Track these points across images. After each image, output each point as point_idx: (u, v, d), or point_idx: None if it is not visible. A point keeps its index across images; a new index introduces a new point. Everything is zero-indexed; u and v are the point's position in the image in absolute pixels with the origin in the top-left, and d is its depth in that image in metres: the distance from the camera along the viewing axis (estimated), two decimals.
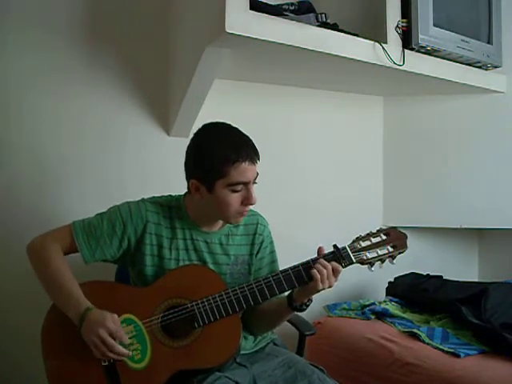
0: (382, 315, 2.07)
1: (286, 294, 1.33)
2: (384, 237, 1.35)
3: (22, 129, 1.78)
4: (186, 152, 1.33)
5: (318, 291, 1.27)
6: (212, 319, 1.25)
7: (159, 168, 1.96)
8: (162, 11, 1.97)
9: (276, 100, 2.18)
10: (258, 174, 1.29)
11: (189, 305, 1.26)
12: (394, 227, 1.39)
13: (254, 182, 1.29)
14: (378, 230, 1.36)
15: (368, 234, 1.35)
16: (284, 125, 2.24)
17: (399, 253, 1.34)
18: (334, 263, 1.27)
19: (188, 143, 1.33)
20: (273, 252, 1.48)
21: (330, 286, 1.27)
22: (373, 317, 2.07)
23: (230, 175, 1.24)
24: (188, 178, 1.32)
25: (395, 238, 1.35)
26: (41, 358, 1.24)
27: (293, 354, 1.42)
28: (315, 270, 1.25)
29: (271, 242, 1.48)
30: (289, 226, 2.15)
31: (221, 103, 1.90)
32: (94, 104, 1.88)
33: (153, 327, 1.24)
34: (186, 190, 1.36)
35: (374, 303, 2.15)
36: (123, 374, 1.20)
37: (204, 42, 1.51)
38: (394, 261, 1.34)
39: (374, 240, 1.34)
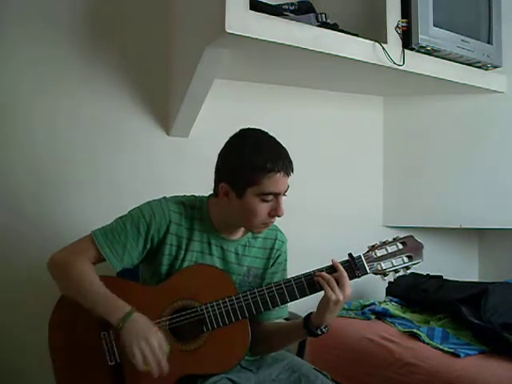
0: (382, 315, 2.07)
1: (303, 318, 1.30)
2: (400, 246, 1.31)
3: (21, 128, 1.77)
4: (220, 154, 1.30)
5: (335, 304, 1.21)
6: (221, 324, 1.23)
7: (159, 168, 1.95)
8: (162, 11, 1.97)
9: (276, 100, 2.18)
10: (288, 186, 1.27)
11: (198, 308, 1.24)
12: (411, 236, 1.34)
13: (284, 195, 1.27)
14: (394, 239, 1.32)
15: (384, 243, 1.31)
16: (284, 125, 2.21)
17: (414, 264, 1.31)
18: (336, 274, 1.23)
19: (223, 146, 1.30)
20: (285, 270, 1.46)
21: (345, 297, 1.22)
22: (373, 317, 2.07)
23: (262, 184, 1.21)
24: (218, 181, 1.29)
25: (411, 248, 1.31)
26: (42, 366, 1.24)
27: (297, 357, 1.41)
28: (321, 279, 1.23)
29: (286, 260, 1.46)
30: (288, 226, 2.14)
31: (221, 103, 1.90)
32: (93, 104, 1.88)
33: (161, 329, 1.22)
34: (210, 193, 1.34)
35: (374, 303, 2.15)
36: (129, 376, 1.19)
37: (204, 41, 1.51)
38: (408, 271, 1.31)
39: (390, 249, 1.30)
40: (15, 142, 1.76)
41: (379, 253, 1.29)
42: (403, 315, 2.05)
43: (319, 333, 1.28)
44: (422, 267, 2.29)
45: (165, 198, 1.35)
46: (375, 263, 1.28)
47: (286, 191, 1.27)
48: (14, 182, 1.76)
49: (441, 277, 2.23)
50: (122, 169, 1.92)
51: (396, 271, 1.30)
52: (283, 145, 1.29)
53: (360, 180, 2.44)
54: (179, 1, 1.87)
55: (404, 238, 1.33)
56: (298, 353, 1.56)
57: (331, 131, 2.36)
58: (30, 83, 1.78)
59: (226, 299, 1.24)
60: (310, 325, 1.27)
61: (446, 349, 1.70)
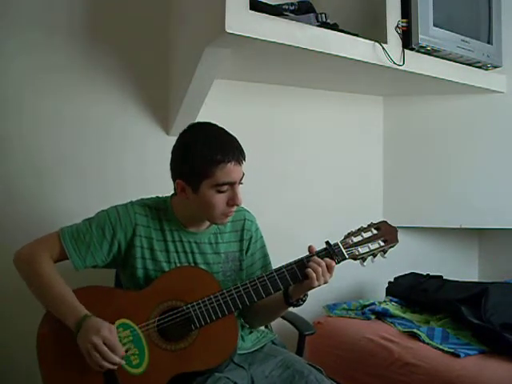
0: (382, 315, 2.07)
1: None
2: (375, 231, 1.35)
3: (22, 129, 1.77)
4: (172, 152, 1.32)
5: (314, 288, 1.27)
6: (208, 321, 1.24)
7: (159, 168, 1.94)
8: (162, 11, 1.97)
9: (276, 100, 2.18)
10: (243, 174, 1.29)
11: (184, 307, 1.25)
12: (385, 221, 1.38)
13: (240, 183, 1.29)
14: (368, 225, 1.36)
15: (359, 229, 1.35)
16: (284, 125, 2.24)
17: (390, 247, 1.34)
18: (328, 259, 1.27)
19: (174, 143, 1.32)
20: (263, 247, 1.49)
21: (325, 282, 1.27)
22: (373, 317, 2.07)
23: (215, 176, 1.23)
24: (174, 177, 1.31)
25: (386, 233, 1.35)
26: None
27: (291, 353, 1.41)
28: (310, 269, 1.25)
29: (261, 237, 1.48)
30: (289, 225, 2.16)
31: (221, 103, 1.90)
32: (93, 104, 1.88)
33: (149, 331, 1.23)
34: (172, 192, 1.36)
35: (373, 303, 2.15)
36: (122, 380, 1.18)
37: (204, 42, 1.51)
38: (386, 255, 1.34)
39: (366, 235, 1.34)
40: (20, 141, 1.77)
41: (355, 239, 1.33)
42: (403, 315, 2.05)
43: (301, 303, 1.34)
44: (422, 267, 2.34)
45: (131, 202, 1.37)
46: (352, 249, 1.31)
47: (241, 179, 1.28)
48: (19, 179, 1.77)
49: (441, 277, 2.23)
50: (122, 168, 1.92)
51: (374, 255, 1.33)
52: (233, 134, 1.30)
53: (360, 180, 2.44)
54: (179, 1, 1.87)
55: (378, 223, 1.37)
56: (297, 353, 1.55)
57: (331, 131, 2.36)
58: (32, 88, 1.78)
59: (211, 296, 1.26)
60: (292, 301, 1.32)
61: (446, 349, 1.70)
